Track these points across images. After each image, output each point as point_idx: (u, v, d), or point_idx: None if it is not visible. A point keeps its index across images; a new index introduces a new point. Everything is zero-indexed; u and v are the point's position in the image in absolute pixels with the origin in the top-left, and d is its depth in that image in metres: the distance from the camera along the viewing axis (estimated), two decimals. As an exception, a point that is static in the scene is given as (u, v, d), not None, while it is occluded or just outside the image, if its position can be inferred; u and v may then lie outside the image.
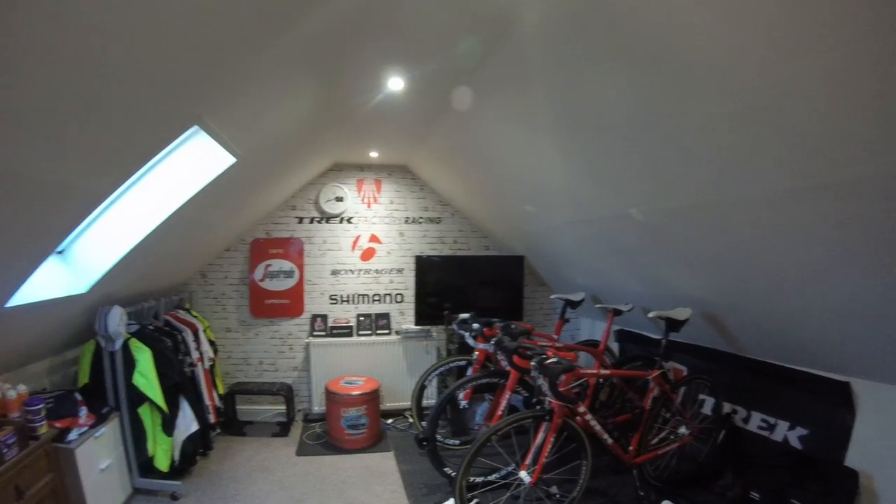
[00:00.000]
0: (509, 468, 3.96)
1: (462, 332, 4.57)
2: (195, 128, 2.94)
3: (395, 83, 3.39)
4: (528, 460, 3.39)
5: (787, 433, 3.93)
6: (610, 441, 3.72)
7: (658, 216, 3.36)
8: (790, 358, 3.84)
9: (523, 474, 3.37)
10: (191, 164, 3.39)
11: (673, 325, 3.96)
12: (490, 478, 4.00)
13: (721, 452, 4.21)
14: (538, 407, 3.55)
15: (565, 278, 5.91)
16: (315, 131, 4.38)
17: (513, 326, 4.24)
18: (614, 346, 5.77)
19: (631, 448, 3.87)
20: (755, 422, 4.22)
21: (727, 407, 4.40)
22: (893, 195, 1.99)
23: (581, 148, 3.34)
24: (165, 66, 2.09)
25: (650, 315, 3.95)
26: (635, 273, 4.41)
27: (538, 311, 6.82)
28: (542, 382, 3.22)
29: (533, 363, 3.20)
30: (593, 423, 3.62)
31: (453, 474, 3.93)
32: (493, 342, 4.08)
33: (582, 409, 3.54)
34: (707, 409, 4.55)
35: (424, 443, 4.05)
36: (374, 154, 5.62)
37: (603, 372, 3.76)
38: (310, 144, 4.75)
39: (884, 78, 1.61)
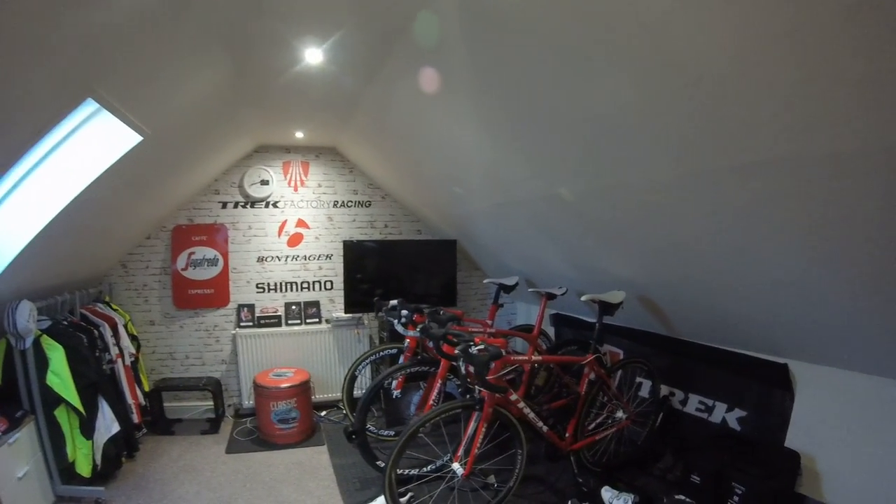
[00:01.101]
0: (443, 460, 3.85)
1: (391, 319, 4.38)
2: (95, 105, 2.74)
3: (313, 55, 3.18)
4: (461, 451, 3.25)
5: (725, 415, 3.91)
6: (545, 429, 3.60)
7: (588, 196, 3.24)
8: (727, 340, 3.81)
9: (456, 466, 3.24)
10: (94, 143, 3.16)
11: (607, 308, 3.86)
12: (422, 470, 3.86)
13: (660, 435, 4.17)
14: (468, 396, 3.41)
15: (499, 262, 5.78)
16: (233, 108, 4.13)
17: (441, 312, 4.09)
18: (550, 331, 5.70)
19: (567, 435, 3.76)
20: (693, 404, 4.19)
21: (665, 390, 4.35)
22: (825, 174, 1.90)
23: (508, 126, 3.18)
24: (54, 36, 1.91)
25: (583, 298, 3.84)
26: (568, 256, 4.30)
27: (473, 297, 6.70)
28: (469, 371, 3.06)
29: (457, 351, 3.03)
30: (527, 411, 3.49)
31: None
32: (418, 329, 3.91)
33: (514, 396, 3.39)
34: (645, 392, 4.50)
35: (353, 436, 3.87)
36: (299, 134, 5.35)
37: (535, 358, 3.63)
38: (229, 123, 4.48)
39: (829, 41, 1.49)
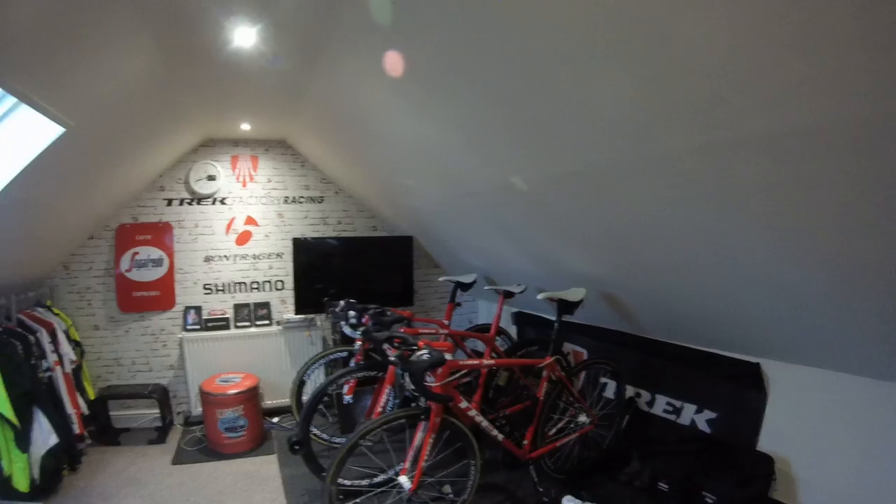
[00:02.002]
0: (389, 473, 3.61)
1: (338, 320, 4.11)
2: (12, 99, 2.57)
3: (245, 36, 2.91)
4: (408, 464, 2.99)
5: (694, 416, 3.75)
6: (500, 437, 3.36)
7: (542, 184, 3.02)
8: (696, 339, 3.65)
9: (403, 480, 2.96)
10: (13, 138, 2.96)
11: (566, 306, 3.63)
12: (364, 483, 3.62)
13: (626, 438, 4.00)
14: (414, 405, 3.16)
15: (457, 259, 5.55)
16: (171, 96, 3.84)
17: (388, 313, 3.83)
18: (512, 330, 5.48)
19: (526, 442, 3.52)
20: (660, 405, 4.02)
21: (631, 391, 4.17)
22: (797, 152, 1.70)
23: (457, 112, 2.94)
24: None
25: (540, 296, 3.59)
26: (525, 251, 4.08)
27: (433, 295, 6.45)
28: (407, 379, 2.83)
29: (392, 358, 2.78)
30: (479, 419, 3.24)
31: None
32: (359, 332, 3.66)
33: (464, 404, 3.14)
34: (610, 393, 4.30)
35: (297, 446, 3.62)
36: (245, 126, 5.06)
37: (487, 363, 3.37)
38: (169, 113, 4.18)
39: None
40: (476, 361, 3.28)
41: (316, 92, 3.86)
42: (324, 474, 3.55)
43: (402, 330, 3.72)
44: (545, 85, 2.21)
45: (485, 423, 3.28)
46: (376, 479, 3.63)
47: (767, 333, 2.98)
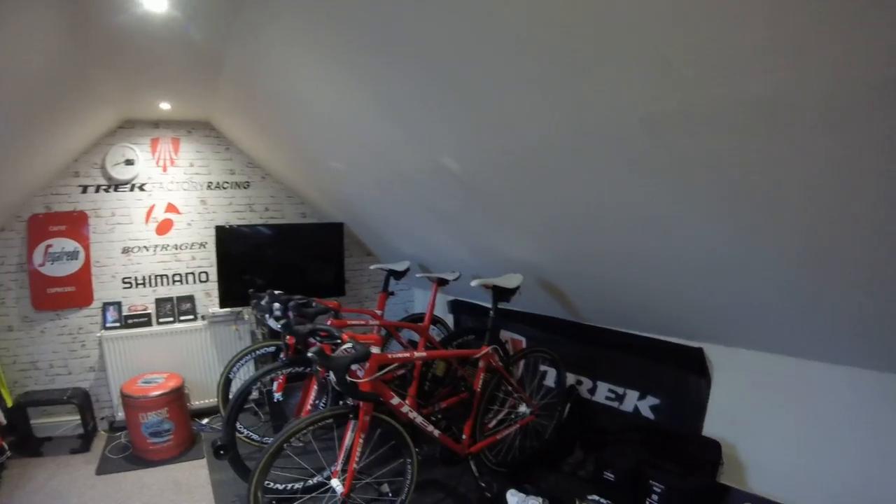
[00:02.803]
0: (321, 475, 3.40)
1: (263, 313, 3.85)
2: None
3: (155, 2, 2.66)
4: (339, 466, 2.80)
5: (637, 403, 3.72)
6: (437, 433, 3.19)
7: (474, 165, 2.83)
8: (636, 325, 3.58)
9: (335, 483, 2.77)
10: None
11: (502, 294, 3.48)
12: (298, 487, 3.40)
13: (569, 427, 3.93)
14: (341, 403, 2.98)
15: (390, 246, 5.35)
16: (81, 70, 3.46)
17: (313, 304, 3.62)
18: (449, 319, 5.34)
19: (464, 436, 3.37)
20: (602, 393, 3.96)
21: (572, 378, 4.09)
22: (753, 127, 1.56)
23: (381, 87, 2.71)
24: None
25: (473, 283, 3.43)
26: (459, 236, 3.91)
27: (366, 285, 6.22)
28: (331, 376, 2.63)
29: (311, 354, 2.54)
30: (413, 415, 3.07)
31: (265, 483, 3.24)
32: (281, 326, 3.41)
33: (396, 400, 2.95)
34: (551, 381, 4.20)
35: (221, 450, 3.38)
36: (165, 106, 4.72)
37: (418, 354, 3.16)
38: (80, 90, 3.78)
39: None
40: (407, 354, 3.08)
41: (235, 65, 3.58)
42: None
43: (328, 322, 3.48)
44: (474, 56, 2.00)
45: (419, 420, 3.12)
46: (308, 483, 3.42)
47: (710, 318, 2.90)
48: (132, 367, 4.91)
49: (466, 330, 4.74)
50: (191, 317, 5.28)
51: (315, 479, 3.43)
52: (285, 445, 2.73)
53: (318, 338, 3.00)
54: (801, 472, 2.76)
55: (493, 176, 2.81)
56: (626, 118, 1.82)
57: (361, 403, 2.74)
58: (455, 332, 4.76)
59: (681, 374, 3.38)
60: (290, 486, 3.40)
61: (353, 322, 3.91)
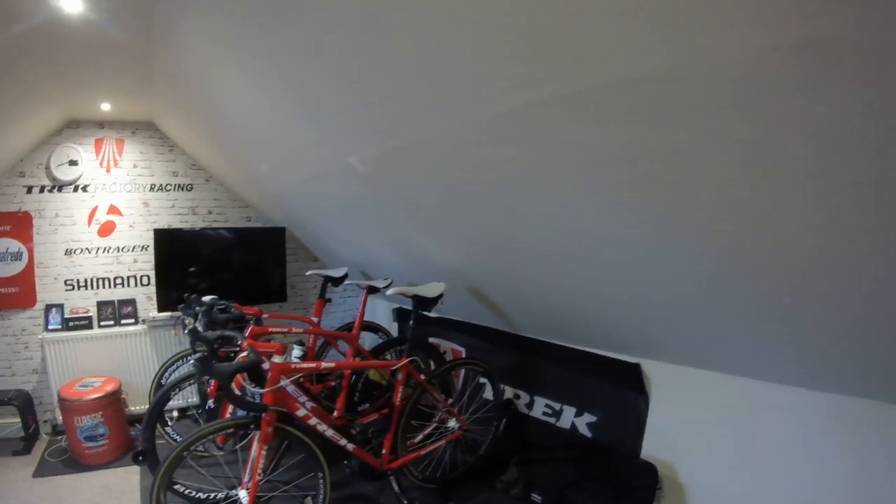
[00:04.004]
0: (228, 490, 3.28)
1: (187, 318, 3.77)
2: None
3: (71, 3, 2.62)
4: (246, 477, 2.69)
5: (574, 420, 3.57)
6: (350, 447, 3.07)
7: (381, 163, 2.73)
8: (572, 337, 3.47)
9: (243, 494, 2.66)
10: None
11: (423, 303, 3.36)
12: (210, 498, 3.29)
13: (505, 442, 3.77)
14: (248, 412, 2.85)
15: (330, 251, 5.28)
16: (19, 68, 3.39)
17: (232, 309, 3.51)
18: (393, 327, 5.24)
19: (384, 451, 3.25)
20: (539, 408, 3.83)
21: (510, 392, 3.96)
22: (650, 108, 1.41)
23: (292, 87, 2.63)
24: None
25: (390, 292, 3.32)
26: (384, 241, 3.84)
27: (312, 291, 6.05)
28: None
29: (192, 361, 2.46)
30: (322, 428, 2.94)
31: (186, 491, 3.24)
32: (186, 332, 3.34)
33: (302, 411, 2.85)
34: (489, 394, 4.06)
35: (140, 457, 3.31)
36: (106, 106, 4.65)
37: (325, 365, 3.05)
38: (17, 87, 3.69)
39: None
40: (313, 365, 2.98)
41: (162, 64, 3.52)
42: (175, 486, 3.25)
43: (249, 328, 3.39)
44: (374, 54, 1.90)
45: (329, 433, 2.99)
46: (218, 496, 3.30)
47: (645, 332, 2.79)
48: (73, 370, 4.83)
49: (401, 339, 4.57)
50: (132, 320, 5.19)
51: (223, 493, 3.31)
52: (185, 454, 2.63)
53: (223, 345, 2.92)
54: (744, 496, 2.63)
55: (401, 174, 2.73)
56: (500, 107, 1.71)
57: (264, 414, 2.63)
58: (387, 342, 4.60)
59: (618, 390, 3.27)
60: (203, 494, 3.31)
61: (276, 329, 3.81)
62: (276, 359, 2.68)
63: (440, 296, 3.36)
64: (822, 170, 1.27)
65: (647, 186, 1.71)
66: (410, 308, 4.85)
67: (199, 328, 3.14)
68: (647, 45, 1.23)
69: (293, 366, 2.83)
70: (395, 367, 3.26)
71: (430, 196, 2.77)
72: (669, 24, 1.15)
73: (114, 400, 4.40)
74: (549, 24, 1.31)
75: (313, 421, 2.91)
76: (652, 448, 3.07)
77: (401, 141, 2.38)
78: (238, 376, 2.59)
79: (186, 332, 3.18)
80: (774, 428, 2.49)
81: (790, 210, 1.45)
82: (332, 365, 3.17)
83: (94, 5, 2.70)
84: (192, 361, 2.48)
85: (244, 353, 2.56)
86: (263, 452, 2.66)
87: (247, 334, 3.34)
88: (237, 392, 2.55)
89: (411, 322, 3.39)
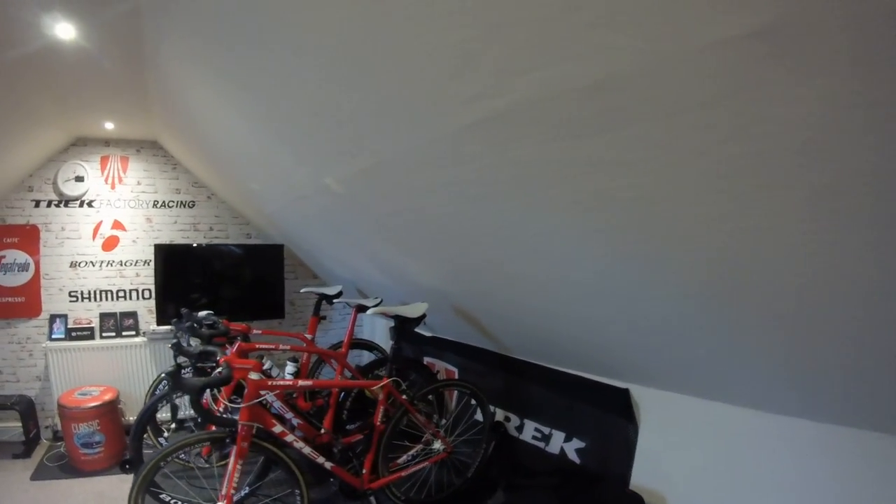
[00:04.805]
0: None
1: (178, 332, 3.84)
2: None
3: (64, 29, 2.73)
4: (223, 491, 2.70)
5: (563, 445, 3.48)
6: (329, 465, 3.07)
7: (353, 183, 2.72)
8: (561, 361, 3.40)
9: None
10: None
11: (405, 322, 3.35)
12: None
13: (495, 465, 3.72)
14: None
15: (326, 269, 5.29)
16: (9, 89, 3.47)
17: (218, 325, 3.57)
18: (389, 346, 5.16)
19: (364, 471, 3.24)
20: (529, 431, 3.75)
21: (500, 414, 3.92)
22: (606, 119, 1.29)
23: (268, 108, 2.65)
24: None
25: (370, 312, 3.29)
26: (368, 261, 3.84)
27: (311, 308, 5.99)
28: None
29: (163, 374, 2.51)
30: (299, 445, 2.96)
31: (172, 501, 3.26)
32: (171, 346, 3.40)
33: (279, 428, 2.88)
34: (480, 415, 3.99)
35: (128, 465, 3.38)
36: (109, 125, 4.77)
37: (303, 383, 3.06)
38: (19, 108, 3.81)
39: None
40: (289, 382, 3.01)
41: (156, 88, 3.61)
42: (161, 496, 3.30)
43: (237, 345, 3.44)
44: (329, 78, 1.92)
45: (307, 450, 2.99)
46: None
47: (634, 357, 2.69)
48: (74, 378, 4.94)
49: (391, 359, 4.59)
50: (133, 332, 5.28)
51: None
52: (162, 464, 2.68)
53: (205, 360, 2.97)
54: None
55: (372, 193, 2.71)
56: (453, 128, 1.66)
57: (239, 429, 2.66)
58: (377, 360, 4.61)
59: (607, 415, 3.17)
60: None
61: (264, 346, 3.85)
62: (254, 375, 2.72)
63: (423, 316, 3.36)
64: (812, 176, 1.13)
65: (616, 205, 1.60)
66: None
67: (183, 343, 3.21)
68: (584, 49, 1.13)
69: (270, 382, 2.86)
70: (375, 388, 3.27)
71: (400, 217, 2.77)
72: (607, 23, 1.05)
73: (111, 409, 4.48)
74: (482, 37, 1.25)
75: (290, 438, 2.92)
76: (641, 476, 2.97)
77: (365, 162, 2.39)
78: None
79: (171, 346, 3.24)
80: (768, 459, 2.39)
81: (778, 230, 1.32)
82: (310, 383, 3.20)
83: (85, 33, 2.80)
84: (162, 375, 2.52)
85: (219, 369, 2.60)
86: (239, 467, 2.67)
87: (233, 350, 3.39)
88: (205, 407, 2.58)
89: (392, 342, 3.39)
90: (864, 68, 0.88)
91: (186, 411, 4.62)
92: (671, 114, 1.17)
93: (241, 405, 2.64)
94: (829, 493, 2.17)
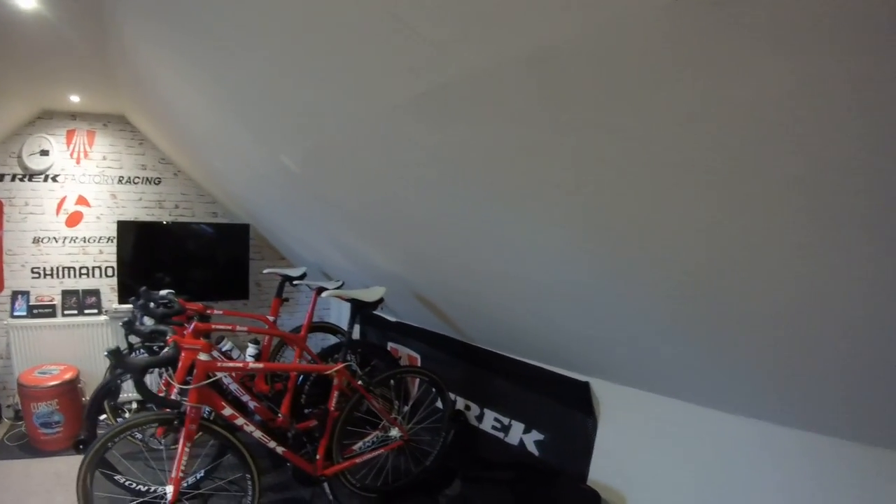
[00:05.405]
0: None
1: (141, 312, 3.76)
2: None
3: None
4: (173, 473, 2.66)
5: (522, 436, 3.45)
6: (280, 450, 3.02)
7: (308, 162, 2.64)
8: (522, 351, 3.35)
9: (168, 490, 2.64)
10: None
11: (361, 307, 3.30)
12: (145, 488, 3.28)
13: (455, 454, 3.70)
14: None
15: (291, 250, 5.22)
16: None
17: (173, 304, 3.50)
18: (356, 329, 5.11)
19: (318, 457, 3.20)
20: (489, 421, 3.72)
21: (461, 403, 3.90)
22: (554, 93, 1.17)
23: (225, 84, 2.54)
24: None
25: (325, 294, 3.25)
26: (328, 243, 3.77)
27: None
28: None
29: (105, 353, 2.45)
30: (250, 429, 2.90)
31: (126, 482, 3.26)
32: (121, 325, 3.33)
33: (228, 411, 2.82)
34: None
35: (81, 445, 3.28)
36: (75, 98, 4.67)
37: (253, 366, 3.01)
38: None
39: None
40: (239, 364, 2.95)
41: (121, 61, 3.51)
42: (117, 477, 3.31)
43: (192, 325, 3.37)
44: (275, 56, 1.85)
45: (258, 434, 2.94)
46: (153, 488, 3.29)
47: (594, 350, 2.61)
48: (36, 356, 4.85)
49: (355, 343, 4.59)
50: (95, 311, 5.20)
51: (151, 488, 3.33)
52: (109, 444, 2.68)
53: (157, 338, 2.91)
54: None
55: (325, 173, 2.64)
56: (393, 104, 1.57)
57: (188, 411, 2.61)
58: (336, 345, 4.54)
59: (566, 408, 3.13)
60: (136, 485, 3.31)
61: (221, 327, 3.78)
62: (202, 356, 2.66)
63: (380, 300, 3.32)
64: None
65: (563, 195, 1.50)
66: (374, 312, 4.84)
67: (138, 322, 3.14)
68: (525, 15, 1.02)
69: (219, 364, 2.80)
70: (328, 373, 3.21)
71: (354, 200, 2.71)
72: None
73: (70, 388, 4.42)
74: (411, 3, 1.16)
75: (240, 421, 2.87)
76: (600, 473, 2.93)
77: (314, 141, 2.32)
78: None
79: (121, 324, 3.17)
80: (733, 461, 2.31)
81: (745, 225, 1.21)
82: (261, 366, 3.15)
83: (47, 3, 2.73)
84: (105, 354, 2.46)
85: (167, 349, 2.54)
86: (187, 450, 2.63)
87: (189, 330, 3.32)
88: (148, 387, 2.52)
89: (349, 328, 3.35)
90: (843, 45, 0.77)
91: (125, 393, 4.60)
92: (621, 89, 1.05)
93: (195, 385, 2.59)
94: (788, 497, 2.13)
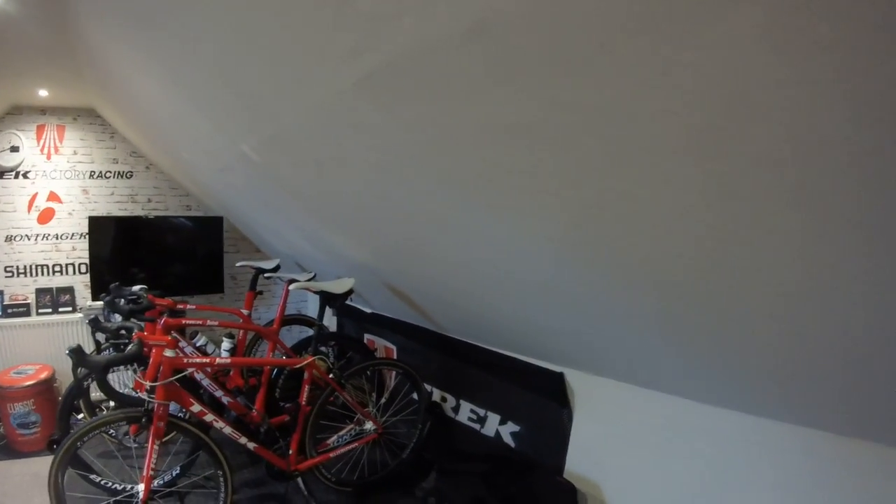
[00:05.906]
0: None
1: (109, 309, 3.71)
2: None
3: None
4: (144, 471, 2.63)
5: (498, 428, 3.45)
6: (252, 445, 2.99)
7: (267, 150, 2.59)
8: (496, 342, 3.31)
9: (140, 488, 2.62)
10: None
11: (330, 299, 3.27)
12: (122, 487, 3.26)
13: (431, 447, 3.68)
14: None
15: (267, 243, 5.19)
16: None
17: (142, 300, 3.46)
18: (332, 322, 5.17)
19: (291, 452, 3.17)
20: (465, 413, 3.71)
21: (437, 395, 3.90)
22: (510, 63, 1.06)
23: (180, 79, 2.55)
24: None
25: (293, 287, 3.23)
26: (297, 233, 3.75)
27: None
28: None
29: (67, 352, 2.41)
30: (220, 425, 2.87)
31: (101, 481, 3.27)
32: (88, 322, 3.29)
33: (197, 407, 2.78)
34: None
35: (55, 445, 3.25)
36: (43, 93, 4.60)
37: (220, 361, 2.95)
38: None
39: None
40: (206, 360, 2.90)
41: (87, 53, 3.44)
42: (91, 476, 3.35)
43: (163, 320, 3.32)
44: (224, 43, 1.81)
45: (228, 430, 2.91)
46: (126, 486, 3.28)
47: (567, 341, 2.56)
48: (11, 357, 4.81)
49: (327, 336, 4.55)
50: (69, 308, 5.15)
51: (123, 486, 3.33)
52: (78, 444, 2.65)
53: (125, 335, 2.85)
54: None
55: (285, 160, 2.58)
56: (339, 87, 1.50)
57: (155, 408, 2.57)
58: (310, 337, 4.41)
59: (541, 399, 3.10)
60: (108, 483, 3.31)
61: (191, 322, 3.74)
62: (168, 353, 2.62)
63: (349, 292, 3.29)
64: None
65: (517, 177, 1.43)
66: (349, 304, 4.81)
67: (101, 319, 3.09)
68: None
69: (185, 360, 2.76)
70: (298, 366, 3.17)
71: (314, 188, 2.67)
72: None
73: (46, 388, 4.38)
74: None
75: (209, 417, 2.84)
76: (576, 464, 2.91)
77: (271, 129, 2.27)
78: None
79: (88, 321, 3.13)
80: (710, 452, 2.27)
81: (718, 211, 1.14)
82: (228, 361, 3.12)
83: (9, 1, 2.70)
84: (66, 353, 2.42)
85: (131, 346, 2.49)
86: (157, 447, 2.60)
87: (160, 326, 3.28)
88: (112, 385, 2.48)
89: (318, 320, 3.31)
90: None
91: (125, 389, 4.56)
92: (567, 61, 0.96)
93: (161, 382, 2.55)
94: (767, 488, 2.09)
